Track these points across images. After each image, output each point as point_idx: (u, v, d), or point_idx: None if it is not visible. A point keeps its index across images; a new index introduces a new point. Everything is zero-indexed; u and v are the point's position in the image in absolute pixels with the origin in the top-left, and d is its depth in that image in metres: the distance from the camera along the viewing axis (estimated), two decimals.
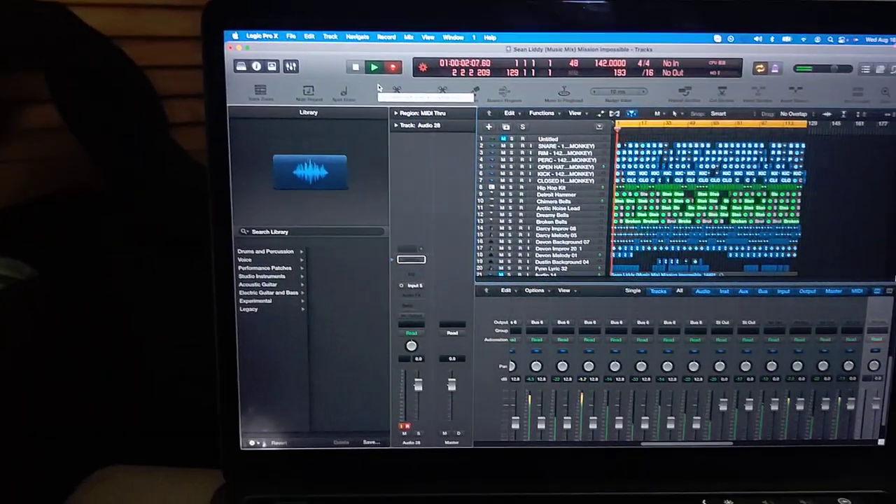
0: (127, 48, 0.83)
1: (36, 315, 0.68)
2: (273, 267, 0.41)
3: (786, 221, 0.42)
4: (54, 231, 0.81)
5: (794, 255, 0.42)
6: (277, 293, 0.42)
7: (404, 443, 0.43)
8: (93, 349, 0.61)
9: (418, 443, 0.43)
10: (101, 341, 0.63)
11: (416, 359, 0.43)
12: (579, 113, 0.41)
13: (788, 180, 0.41)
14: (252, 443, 0.43)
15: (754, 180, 0.41)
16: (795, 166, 0.41)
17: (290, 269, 0.42)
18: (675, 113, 0.41)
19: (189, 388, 0.52)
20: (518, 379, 0.43)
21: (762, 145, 0.41)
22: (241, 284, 0.42)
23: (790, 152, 0.41)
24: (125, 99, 0.83)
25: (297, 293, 0.42)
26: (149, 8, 0.86)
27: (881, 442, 0.44)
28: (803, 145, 0.41)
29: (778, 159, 0.41)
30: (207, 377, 0.44)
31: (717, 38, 0.40)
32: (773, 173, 0.41)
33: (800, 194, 0.42)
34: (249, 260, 0.41)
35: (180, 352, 0.56)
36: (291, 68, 0.40)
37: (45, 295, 0.70)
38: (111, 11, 0.83)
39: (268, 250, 0.41)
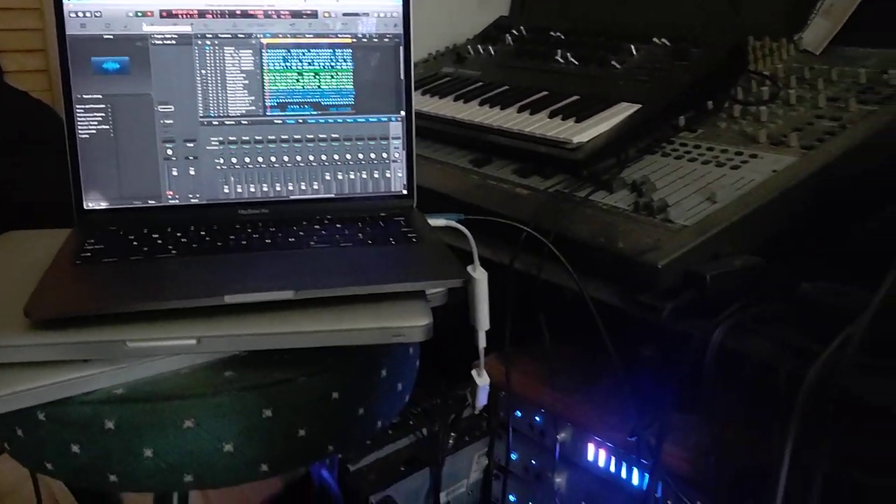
0: None
1: None
2: (96, 114, 0.84)
3: (347, 86, 0.90)
4: None
5: (353, 101, 0.90)
6: (99, 126, 0.85)
7: (169, 201, 0.88)
8: None
9: (177, 201, 0.88)
10: None
11: (173, 158, 0.87)
12: (244, 35, 0.87)
13: (345, 66, 0.90)
14: (90, 205, 0.86)
15: (331, 67, 0.89)
16: (348, 59, 0.90)
17: (104, 115, 0.85)
18: (289, 35, 0.88)
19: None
20: (227, 167, 0.89)
21: (333, 50, 0.89)
22: (79, 122, 0.84)
23: (345, 53, 0.89)
24: None
25: (108, 127, 0.85)
26: None
27: (405, 192, 0.94)
28: (350, 50, 0.89)
29: (340, 57, 0.89)
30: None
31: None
32: (338, 63, 0.89)
33: (352, 73, 0.90)
34: (83, 110, 0.84)
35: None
36: (98, 14, 0.83)
37: None
38: None
39: (92, 105, 0.84)
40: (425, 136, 1.26)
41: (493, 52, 1.44)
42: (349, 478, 1.12)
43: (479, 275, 0.90)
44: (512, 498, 1.23)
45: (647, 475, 1.01)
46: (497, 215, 0.99)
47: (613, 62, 1.21)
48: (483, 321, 0.92)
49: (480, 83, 1.35)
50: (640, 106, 1.09)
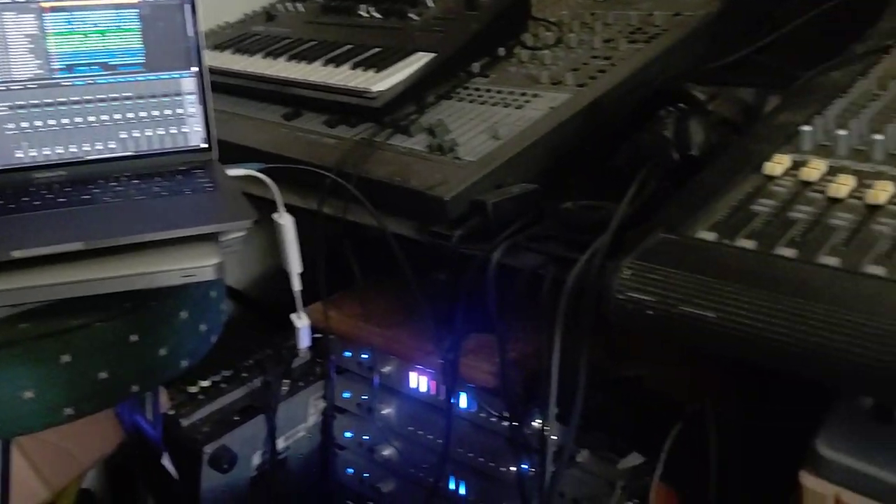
0: None
1: None
2: None
3: (135, 45, 0.92)
4: None
5: (142, 60, 0.92)
6: None
7: None
8: None
9: None
10: None
11: None
12: (23, 0, 0.87)
13: (132, 26, 0.91)
14: None
15: (117, 27, 0.91)
16: (134, 19, 0.91)
17: None
18: None
19: None
20: (18, 131, 0.89)
21: (118, 11, 0.90)
22: None
23: (131, 13, 0.91)
24: None
25: None
26: None
27: (204, 145, 0.97)
28: (137, 10, 0.91)
29: (126, 16, 0.91)
30: None
31: None
32: (125, 23, 0.91)
33: (140, 32, 0.92)
34: None
35: None
36: None
37: None
38: None
39: None
40: (236, 94, 1.29)
41: (301, 10, 1.48)
42: (181, 432, 1.15)
43: (285, 220, 0.95)
44: (348, 434, 1.30)
45: (461, 394, 1.10)
46: (302, 164, 1.04)
47: (411, 14, 1.27)
48: (294, 265, 0.97)
49: (289, 39, 1.38)
50: (434, 55, 1.16)
